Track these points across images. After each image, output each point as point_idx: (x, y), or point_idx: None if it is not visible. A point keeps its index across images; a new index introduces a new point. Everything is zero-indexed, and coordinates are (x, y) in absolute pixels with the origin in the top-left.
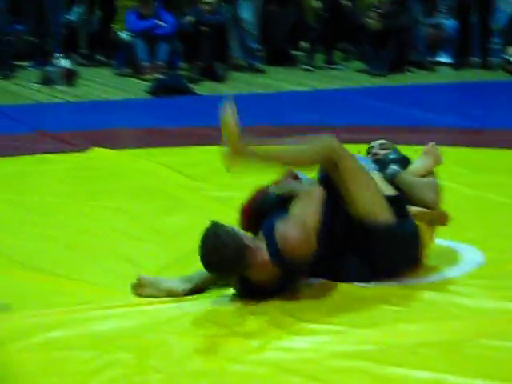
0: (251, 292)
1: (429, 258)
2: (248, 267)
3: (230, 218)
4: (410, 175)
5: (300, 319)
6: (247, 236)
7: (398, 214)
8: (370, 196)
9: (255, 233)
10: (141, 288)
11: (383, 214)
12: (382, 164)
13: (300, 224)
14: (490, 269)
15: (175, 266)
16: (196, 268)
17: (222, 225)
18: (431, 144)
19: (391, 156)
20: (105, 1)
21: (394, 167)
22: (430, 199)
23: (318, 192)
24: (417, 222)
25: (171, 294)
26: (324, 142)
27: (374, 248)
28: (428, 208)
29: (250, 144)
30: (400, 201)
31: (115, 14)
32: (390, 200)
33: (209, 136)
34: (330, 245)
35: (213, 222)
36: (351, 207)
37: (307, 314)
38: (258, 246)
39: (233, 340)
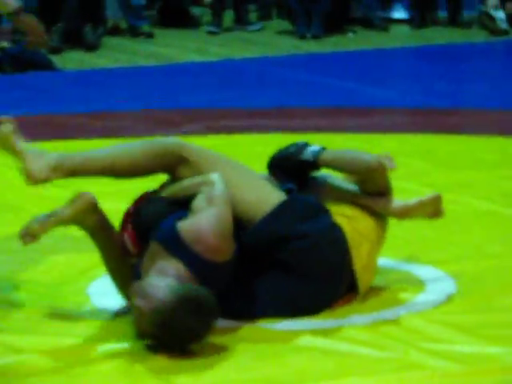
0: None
1: (382, 287)
2: None
3: None
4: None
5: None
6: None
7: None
8: (243, 191)
9: (141, 250)
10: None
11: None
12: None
13: (214, 215)
14: (462, 300)
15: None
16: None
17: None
18: (436, 196)
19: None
20: None
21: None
22: (370, 158)
23: (222, 181)
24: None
25: None
26: (163, 140)
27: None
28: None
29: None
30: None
31: None
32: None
33: (76, 126)
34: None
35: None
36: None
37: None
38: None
39: None
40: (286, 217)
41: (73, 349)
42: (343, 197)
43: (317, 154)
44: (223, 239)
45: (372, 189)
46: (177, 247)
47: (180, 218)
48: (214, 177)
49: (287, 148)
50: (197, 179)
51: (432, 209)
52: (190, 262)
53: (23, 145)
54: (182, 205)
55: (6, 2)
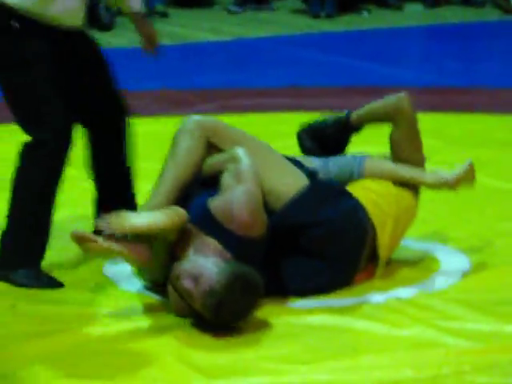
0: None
1: (398, 265)
2: None
3: None
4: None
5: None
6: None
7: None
8: (268, 175)
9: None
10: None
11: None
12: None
13: (243, 192)
14: (477, 279)
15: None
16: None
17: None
18: (472, 163)
19: None
20: None
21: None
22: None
23: (247, 155)
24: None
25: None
26: (187, 126)
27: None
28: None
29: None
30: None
31: None
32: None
33: None
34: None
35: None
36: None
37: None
38: (202, 241)
39: None
40: (307, 204)
41: (95, 327)
42: (390, 172)
43: (348, 111)
44: (255, 215)
45: (405, 139)
46: (211, 227)
47: (210, 197)
48: (240, 152)
49: (319, 118)
50: (222, 156)
51: (471, 176)
52: (226, 241)
53: (112, 243)
54: (212, 183)
55: (130, 3)
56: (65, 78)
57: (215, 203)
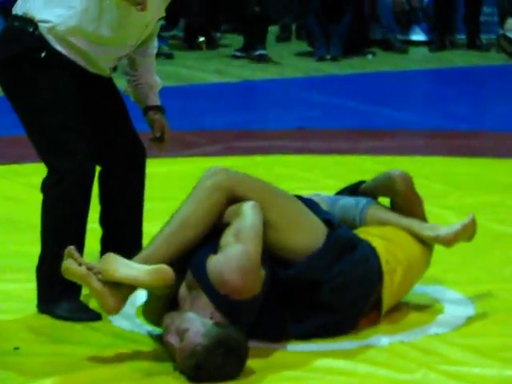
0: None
1: (402, 309)
2: None
3: None
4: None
5: None
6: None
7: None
8: (293, 227)
9: (182, 274)
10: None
11: (311, 240)
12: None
13: (238, 253)
14: (481, 323)
15: None
16: None
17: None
18: (474, 218)
19: None
20: None
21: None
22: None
23: (255, 211)
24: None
25: None
26: (206, 184)
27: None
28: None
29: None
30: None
31: None
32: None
33: None
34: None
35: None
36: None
37: None
38: (195, 295)
39: None
40: (323, 262)
41: (103, 368)
42: (391, 222)
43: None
44: (247, 279)
45: (405, 207)
46: (207, 287)
47: (213, 251)
48: (247, 207)
49: None
50: (232, 209)
51: (471, 231)
52: (219, 305)
53: (93, 277)
54: (218, 233)
55: (150, 98)
56: (87, 115)
57: (212, 262)
